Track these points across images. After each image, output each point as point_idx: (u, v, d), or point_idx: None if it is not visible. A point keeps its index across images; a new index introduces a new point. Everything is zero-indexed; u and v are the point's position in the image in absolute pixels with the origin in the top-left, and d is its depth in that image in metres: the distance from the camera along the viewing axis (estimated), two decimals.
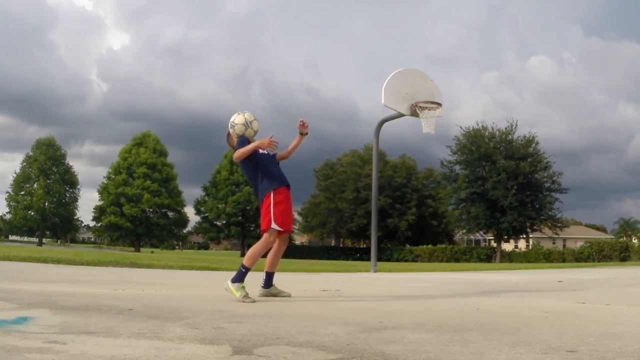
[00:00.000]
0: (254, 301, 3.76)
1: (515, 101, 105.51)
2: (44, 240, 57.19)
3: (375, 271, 11.13)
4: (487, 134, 38.73)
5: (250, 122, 4.23)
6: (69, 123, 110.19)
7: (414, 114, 11.76)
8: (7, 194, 54.93)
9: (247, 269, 3.90)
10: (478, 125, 39.18)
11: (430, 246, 43.84)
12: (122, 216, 48.48)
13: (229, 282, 3.88)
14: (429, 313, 3.45)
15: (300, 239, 64.30)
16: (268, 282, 4.18)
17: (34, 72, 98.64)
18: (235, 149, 4.16)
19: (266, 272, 4.19)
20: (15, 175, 55.02)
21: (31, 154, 54.91)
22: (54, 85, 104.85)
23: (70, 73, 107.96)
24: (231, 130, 4.27)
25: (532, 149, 37.81)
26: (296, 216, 53.83)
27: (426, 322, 2.90)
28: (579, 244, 41.05)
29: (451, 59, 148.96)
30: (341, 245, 54.41)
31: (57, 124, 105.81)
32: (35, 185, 54.52)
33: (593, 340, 2.35)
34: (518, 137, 38.32)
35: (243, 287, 3.81)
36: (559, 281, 7.77)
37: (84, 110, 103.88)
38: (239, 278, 3.86)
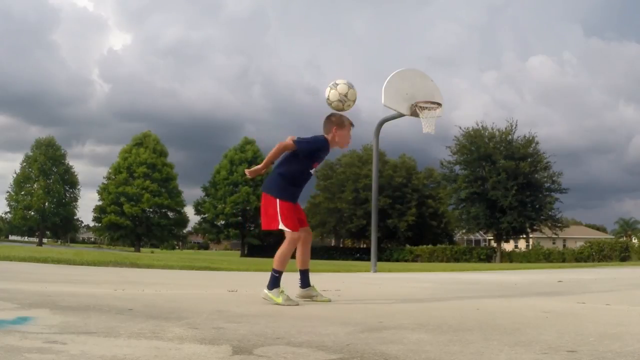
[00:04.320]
0: (298, 304, 3.63)
1: (515, 101, 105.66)
2: (44, 240, 57.20)
3: (375, 271, 11.13)
4: (487, 134, 38.78)
5: (345, 97, 3.85)
6: (71, 123, 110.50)
7: (414, 114, 11.75)
8: (7, 194, 55.01)
9: (279, 272, 3.71)
10: (478, 125, 39.28)
11: (430, 246, 43.84)
12: (122, 215, 48.50)
13: (266, 290, 3.68)
14: (429, 313, 3.45)
15: None
16: (304, 282, 3.99)
17: (36, 72, 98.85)
18: (297, 141, 3.77)
19: (299, 270, 3.99)
20: (15, 175, 55.07)
21: (31, 154, 54.93)
22: (55, 85, 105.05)
23: (72, 73, 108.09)
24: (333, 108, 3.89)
25: (532, 149, 37.86)
26: None
27: (426, 322, 2.90)
28: (579, 244, 41.04)
29: (451, 59, 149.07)
30: (341, 245, 54.42)
31: (59, 124, 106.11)
32: (35, 185, 54.57)
33: (593, 340, 2.35)
34: (518, 137, 38.42)
35: (282, 292, 3.64)
36: (559, 281, 7.77)
37: (86, 110, 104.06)
38: (275, 283, 3.67)
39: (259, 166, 3.90)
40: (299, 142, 3.80)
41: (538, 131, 65.34)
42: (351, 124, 3.96)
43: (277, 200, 3.79)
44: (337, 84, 3.88)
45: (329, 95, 3.86)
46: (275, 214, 3.77)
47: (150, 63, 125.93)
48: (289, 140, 3.81)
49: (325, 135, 3.90)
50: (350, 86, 3.89)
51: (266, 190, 3.88)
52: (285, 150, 3.82)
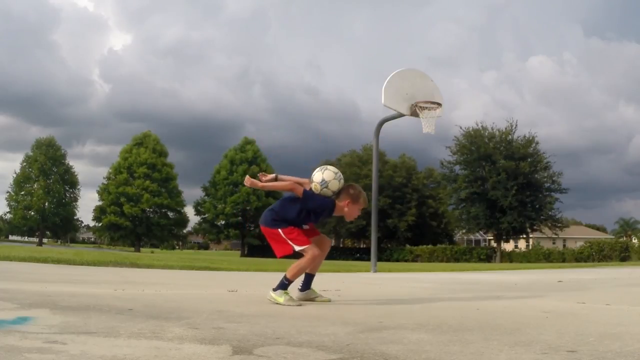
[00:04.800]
0: (300, 304, 3.64)
1: (515, 101, 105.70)
2: (44, 240, 57.20)
3: (375, 271, 11.14)
4: (486, 134, 38.80)
5: (328, 182, 3.77)
6: (72, 123, 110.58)
7: (414, 114, 11.76)
8: (7, 194, 55.03)
9: (290, 281, 3.74)
10: (478, 125, 39.30)
11: (430, 246, 43.84)
12: (122, 216, 48.52)
13: (271, 292, 3.73)
14: (429, 313, 3.45)
15: None
16: (306, 285, 4.00)
17: (36, 72, 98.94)
18: (306, 193, 3.75)
19: (306, 273, 3.98)
20: (15, 175, 55.06)
21: (31, 154, 54.94)
22: (56, 85, 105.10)
23: (73, 73, 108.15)
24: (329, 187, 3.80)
25: (532, 149, 37.88)
26: None
27: (426, 322, 2.90)
28: (579, 244, 41.05)
29: (451, 59, 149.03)
30: (341, 245, 54.44)
31: (60, 124, 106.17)
32: (35, 185, 54.59)
33: (593, 340, 2.35)
34: (518, 137, 38.45)
35: (286, 293, 3.70)
36: (559, 281, 7.77)
37: (86, 110, 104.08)
38: (282, 288, 3.72)
39: (258, 182, 3.87)
40: (306, 195, 3.76)
41: (538, 131, 65.47)
42: (365, 204, 3.94)
43: (279, 229, 3.78)
44: (325, 167, 3.86)
45: (324, 177, 3.78)
46: (285, 241, 3.76)
47: (150, 63, 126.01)
48: (302, 187, 3.78)
49: (336, 200, 3.84)
50: (332, 167, 3.92)
51: (263, 224, 3.88)
52: (292, 192, 3.80)
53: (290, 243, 3.74)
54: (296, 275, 3.77)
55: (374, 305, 4.03)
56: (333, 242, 55.02)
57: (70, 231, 66.23)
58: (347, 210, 3.83)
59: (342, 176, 3.87)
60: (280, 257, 3.92)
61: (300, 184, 3.85)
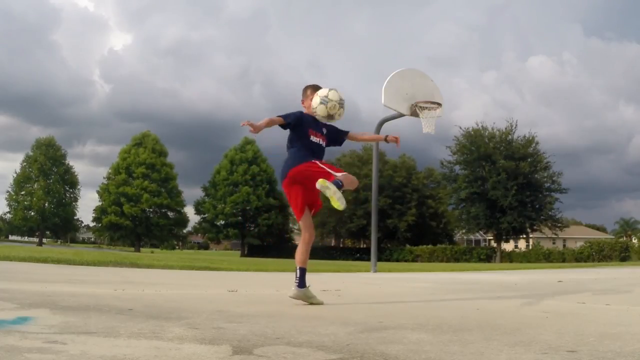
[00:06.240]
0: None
1: (515, 101, 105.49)
2: (44, 240, 57.14)
3: (375, 271, 11.14)
4: (487, 134, 38.80)
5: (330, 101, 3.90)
6: (72, 124, 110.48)
7: (414, 114, 11.76)
8: (8, 194, 54.98)
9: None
10: (478, 125, 39.30)
11: (430, 246, 43.84)
12: (122, 216, 48.51)
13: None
14: (429, 313, 3.45)
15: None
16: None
17: (37, 72, 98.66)
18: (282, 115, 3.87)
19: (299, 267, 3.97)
20: (15, 175, 55.04)
21: (31, 154, 54.92)
22: (56, 85, 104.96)
23: (73, 74, 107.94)
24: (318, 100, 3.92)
25: (532, 149, 37.89)
26: None
27: (426, 322, 2.90)
28: (579, 244, 41.05)
29: (451, 59, 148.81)
30: (341, 245, 54.42)
31: (60, 124, 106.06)
32: (35, 186, 54.52)
33: (593, 340, 2.35)
34: (518, 137, 38.46)
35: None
36: (559, 281, 7.77)
37: (87, 110, 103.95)
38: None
39: (256, 123, 3.83)
40: (284, 117, 3.90)
41: (538, 131, 65.51)
42: (312, 87, 4.09)
43: (283, 181, 3.87)
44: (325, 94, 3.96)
45: (317, 95, 3.93)
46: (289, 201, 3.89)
47: (150, 63, 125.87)
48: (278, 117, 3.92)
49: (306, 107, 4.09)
50: (330, 88, 3.98)
51: (278, 179, 4.00)
52: (278, 122, 3.85)
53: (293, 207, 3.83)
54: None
55: (374, 305, 4.03)
56: (333, 242, 55.06)
57: (70, 231, 66.18)
58: (308, 103, 4.00)
59: (335, 103, 3.91)
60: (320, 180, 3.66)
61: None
